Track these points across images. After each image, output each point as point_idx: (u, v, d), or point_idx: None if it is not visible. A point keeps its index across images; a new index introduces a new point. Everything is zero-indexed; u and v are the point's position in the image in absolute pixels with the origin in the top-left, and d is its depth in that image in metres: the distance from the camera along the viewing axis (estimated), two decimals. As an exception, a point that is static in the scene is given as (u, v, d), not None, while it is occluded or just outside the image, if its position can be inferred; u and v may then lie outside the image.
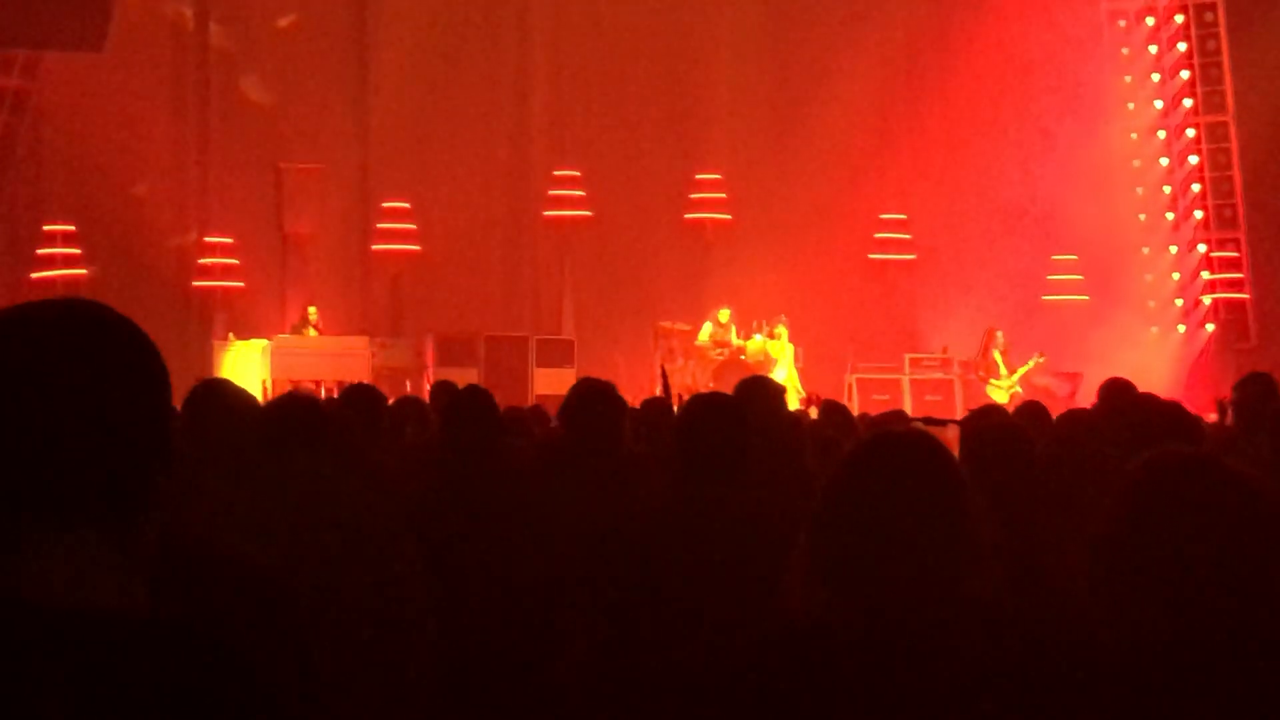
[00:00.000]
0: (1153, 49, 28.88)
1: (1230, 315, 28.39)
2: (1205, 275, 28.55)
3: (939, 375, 27.41)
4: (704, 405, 5.38)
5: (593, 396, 6.73)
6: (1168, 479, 3.20)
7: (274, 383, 23.01)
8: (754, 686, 3.26)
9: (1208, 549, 3.07)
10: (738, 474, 5.16)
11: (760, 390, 7.38)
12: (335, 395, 11.86)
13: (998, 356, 26.81)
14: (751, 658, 3.34)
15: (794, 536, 3.35)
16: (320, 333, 25.22)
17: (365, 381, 8.29)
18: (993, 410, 9.67)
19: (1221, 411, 10.43)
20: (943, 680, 3.15)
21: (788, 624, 3.33)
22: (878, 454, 3.34)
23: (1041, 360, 26.63)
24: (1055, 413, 8.89)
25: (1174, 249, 28.91)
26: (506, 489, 6.35)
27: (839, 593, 3.23)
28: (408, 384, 24.44)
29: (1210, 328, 28.39)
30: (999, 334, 26.88)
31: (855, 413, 14.22)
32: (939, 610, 3.20)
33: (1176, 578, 3.08)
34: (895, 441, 3.38)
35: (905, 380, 27.20)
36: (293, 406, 5.68)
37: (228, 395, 6.28)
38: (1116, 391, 9.13)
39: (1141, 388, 9.01)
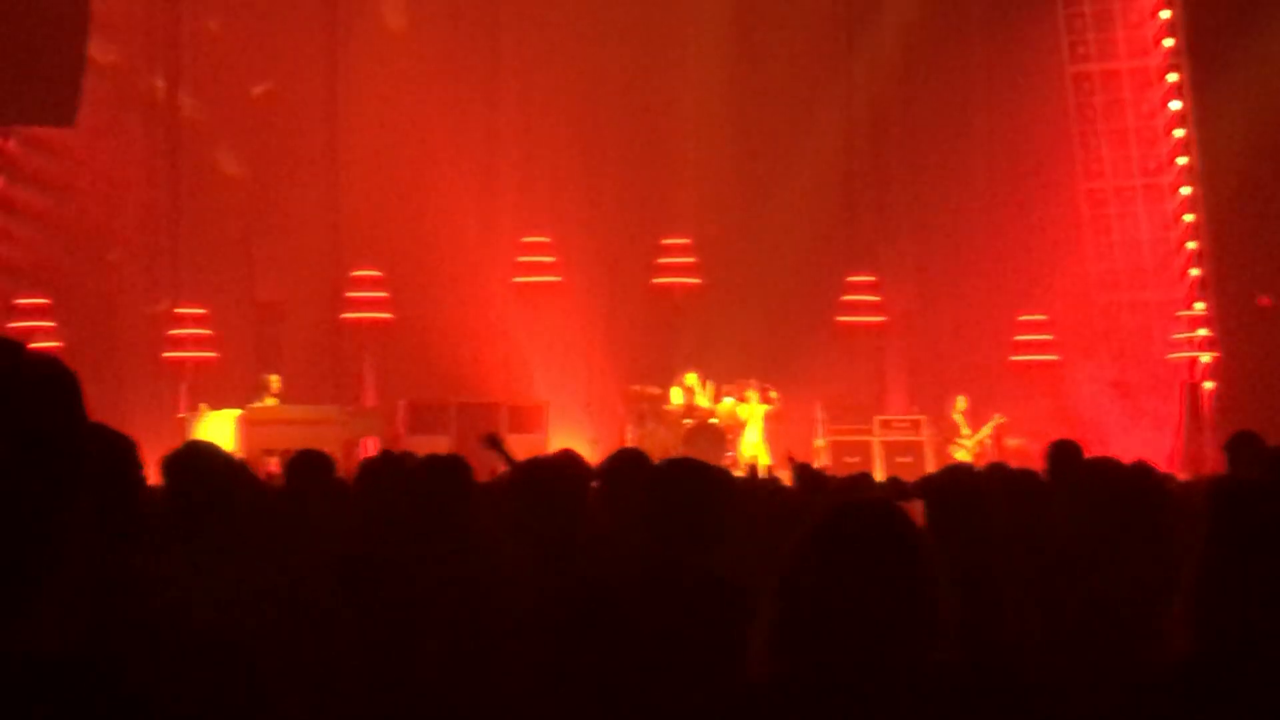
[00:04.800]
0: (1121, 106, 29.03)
1: (1208, 376, 28.33)
2: (1177, 335, 28.49)
3: (910, 437, 27.48)
4: (674, 468, 5.44)
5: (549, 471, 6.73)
6: (839, 523, 3.37)
7: (247, 454, 22.97)
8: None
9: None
10: (706, 538, 5.21)
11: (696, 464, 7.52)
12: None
13: (958, 418, 27.00)
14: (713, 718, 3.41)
15: (756, 600, 3.41)
16: (282, 400, 25.19)
17: (322, 451, 8.25)
18: (958, 470, 9.68)
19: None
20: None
21: (749, 687, 3.39)
22: (841, 523, 3.39)
23: (1001, 421, 26.80)
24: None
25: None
26: (467, 550, 6.40)
27: (800, 657, 3.29)
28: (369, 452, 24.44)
29: (1209, 385, 28.28)
30: (959, 398, 27.11)
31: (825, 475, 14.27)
32: (899, 677, 3.26)
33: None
34: (858, 511, 3.44)
35: (876, 442, 27.27)
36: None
37: (209, 458, 6.31)
38: (1064, 456, 9.19)
39: (1115, 449, 9.08)
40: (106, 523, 3.79)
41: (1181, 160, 28.49)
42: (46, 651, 2.14)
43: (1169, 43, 28.45)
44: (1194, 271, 28.41)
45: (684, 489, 5.27)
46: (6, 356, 2.16)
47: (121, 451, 4.06)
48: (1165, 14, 28.46)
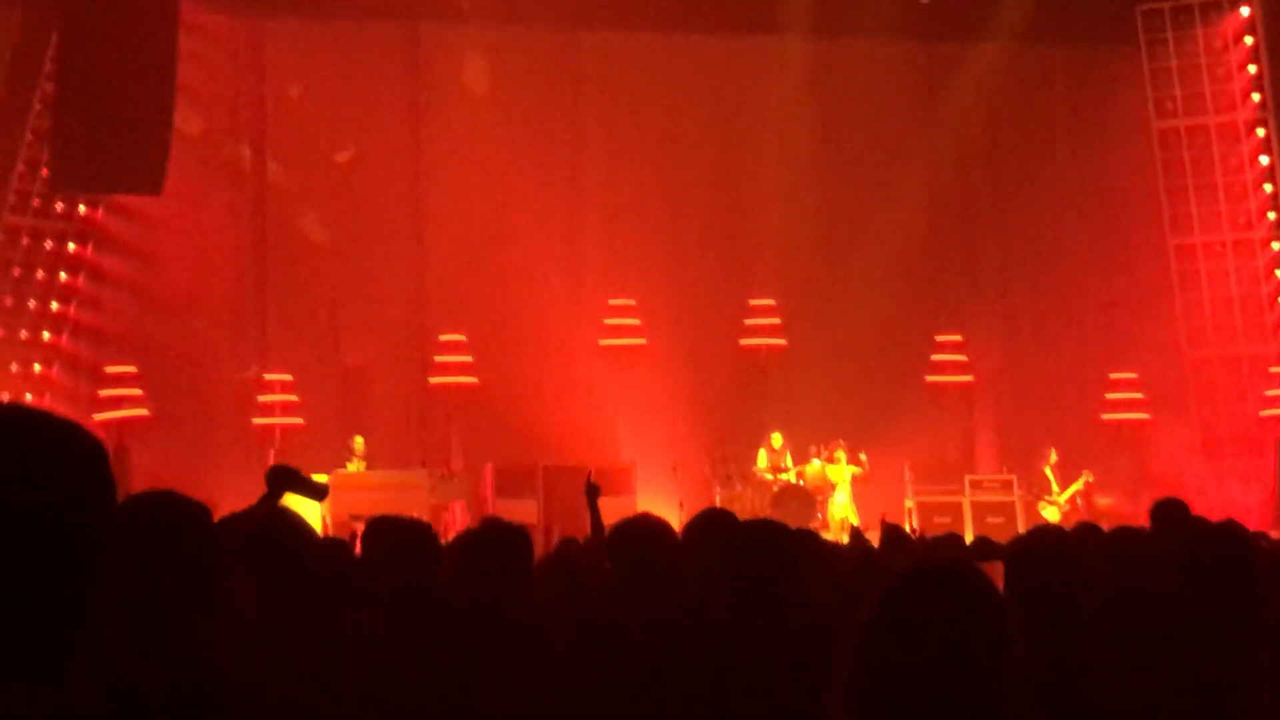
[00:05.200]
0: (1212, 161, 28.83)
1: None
2: (1270, 392, 28.22)
3: (1000, 497, 27.25)
4: (750, 529, 5.38)
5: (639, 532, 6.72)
6: (911, 586, 3.29)
7: (334, 518, 23.03)
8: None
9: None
10: (782, 599, 5.15)
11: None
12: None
13: (1049, 473, 26.78)
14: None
15: (827, 660, 3.37)
16: (367, 464, 25.30)
17: (411, 516, 8.22)
18: (1045, 531, 9.55)
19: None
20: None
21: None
22: (913, 586, 3.35)
23: (1090, 479, 26.59)
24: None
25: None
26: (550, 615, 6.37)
27: (876, 716, 3.24)
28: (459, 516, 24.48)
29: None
30: (1051, 451, 26.92)
31: (914, 536, 14.17)
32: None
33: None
34: (930, 573, 3.39)
35: (966, 502, 27.07)
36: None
37: (292, 524, 6.30)
38: (1168, 513, 9.05)
39: (1206, 508, 8.94)
40: (169, 591, 3.76)
41: (1271, 215, 28.26)
42: (71, 715, 2.08)
43: (1256, 97, 28.27)
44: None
45: (761, 550, 5.22)
46: (32, 429, 2.09)
47: (189, 519, 4.03)
48: (1252, 69, 28.29)
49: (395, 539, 6.32)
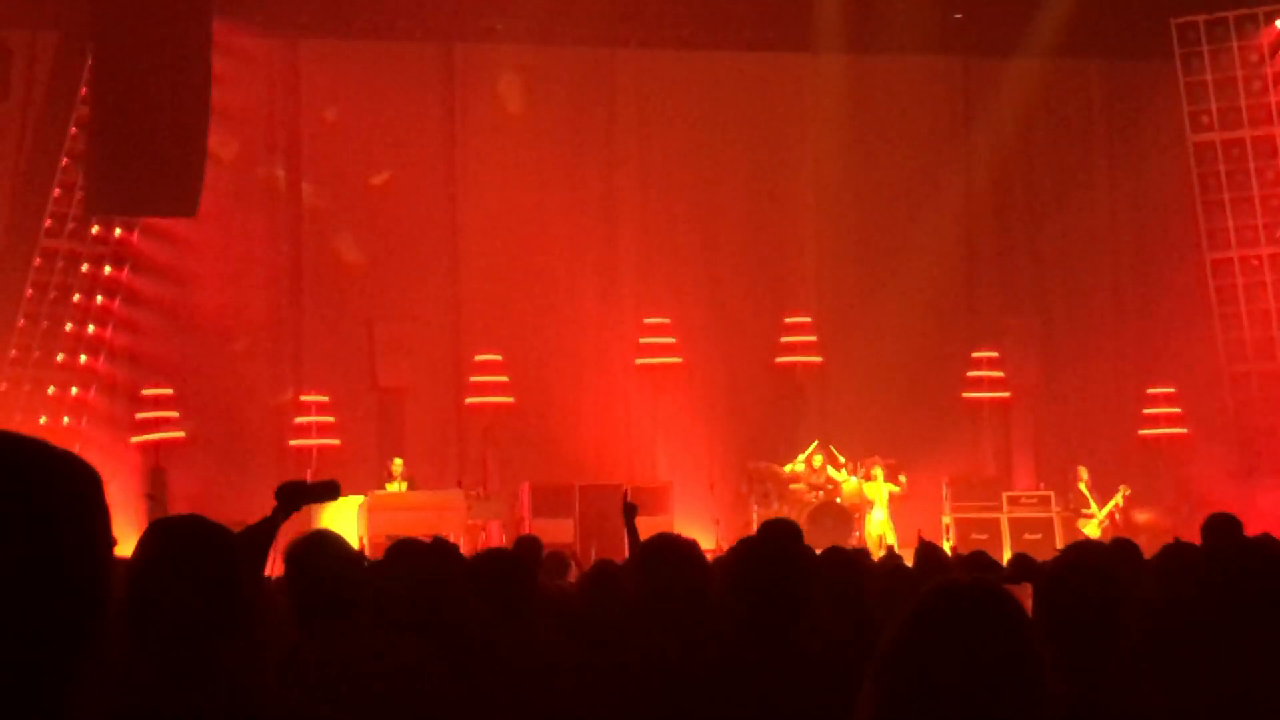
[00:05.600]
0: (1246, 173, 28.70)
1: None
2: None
3: (1038, 514, 27.15)
4: (762, 544, 5.33)
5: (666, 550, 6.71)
6: (935, 605, 3.24)
7: (370, 538, 23.05)
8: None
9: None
10: (795, 614, 5.09)
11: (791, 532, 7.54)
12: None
13: (1084, 490, 26.70)
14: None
15: (851, 679, 3.34)
16: (407, 484, 25.33)
17: (436, 536, 8.19)
18: (1085, 546, 9.49)
19: None
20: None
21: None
22: (937, 605, 3.31)
23: (1128, 493, 26.50)
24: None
25: None
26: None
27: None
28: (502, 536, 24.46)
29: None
30: (1082, 469, 26.85)
31: (952, 554, 14.12)
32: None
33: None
34: (955, 593, 3.35)
35: (1004, 519, 26.98)
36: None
37: (331, 546, 6.30)
38: (1218, 530, 8.96)
39: (1244, 524, 8.86)
40: (195, 616, 3.76)
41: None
42: None
43: (1292, 110, 28.17)
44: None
45: (763, 563, 5.17)
46: (19, 458, 1.99)
47: (213, 545, 4.02)
48: (1288, 81, 28.18)
49: (415, 559, 6.32)
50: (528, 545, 12.61)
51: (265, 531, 5.63)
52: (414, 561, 6.16)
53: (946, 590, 3.37)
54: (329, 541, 6.19)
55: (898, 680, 3.24)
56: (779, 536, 5.39)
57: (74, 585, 1.98)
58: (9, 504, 1.92)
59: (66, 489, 1.99)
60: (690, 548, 6.73)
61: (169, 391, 26.93)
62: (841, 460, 27.04)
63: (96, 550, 2.00)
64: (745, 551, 5.34)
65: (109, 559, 2.02)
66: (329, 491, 5.91)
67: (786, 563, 5.18)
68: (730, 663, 5.05)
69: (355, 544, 22.39)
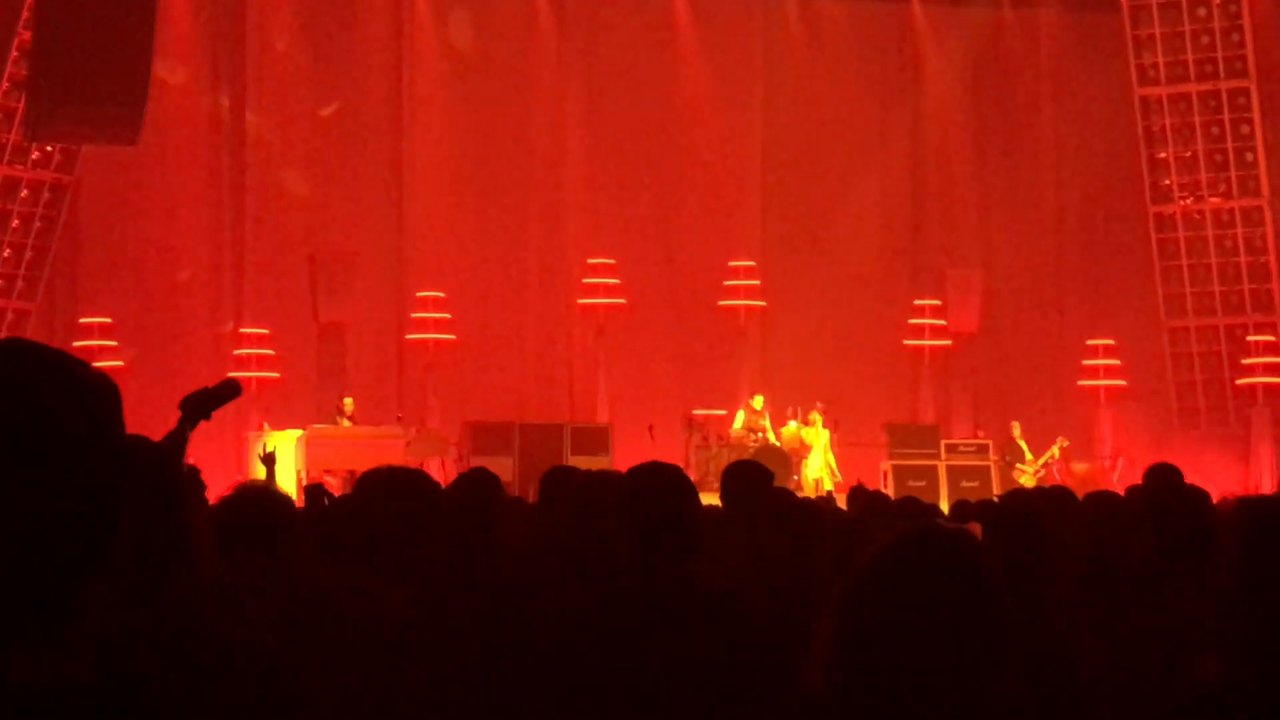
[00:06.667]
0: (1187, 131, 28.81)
1: (1270, 400, 28.13)
2: (1247, 360, 28.26)
3: (975, 461, 27.25)
4: (648, 475, 5.25)
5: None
6: (906, 551, 3.24)
7: (308, 473, 22.98)
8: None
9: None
10: (688, 544, 5.03)
11: (747, 470, 7.53)
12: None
13: (1020, 442, 26.83)
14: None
15: (781, 614, 3.32)
16: (354, 422, 25.23)
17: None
18: (1019, 494, 9.52)
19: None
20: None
21: (808, 699, 3.29)
22: (918, 548, 3.26)
23: (1065, 445, 26.62)
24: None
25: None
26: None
27: (862, 678, 3.19)
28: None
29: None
30: (1014, 423, 27.00)
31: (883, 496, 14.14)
32: (966, 706, 3.15)
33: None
34: (937, 537, 3.30)
35: (941, 466, 27.06)
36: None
37: (265, 498, 6.27)
38: (1159, 476, 8.97)
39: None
40: (151, 542, 3.71)
41: (1251, 184, 28.27)
42: (76, 680, 2.02)
43: (1239, 65, 28.24)
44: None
45: (651, 493, 5.11)
46: (46, 368, 2.01)
47: (165, 468, 3.97)
48: (1235, 37, 28.24)
49: (391, 489, 6.27)
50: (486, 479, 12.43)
51: (174, 445, 5.58)
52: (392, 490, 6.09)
53: (923, 532, 3.34)
54: (258, 492, 6.19)
55: (868, 613, 3.22)
56: (666, 471, 5.31)
57: (92, 490, 1.99)
58: (36, 406, 1.95)
59: (97, 396, 2.01)
60: (598, 479, 6.64)
61: (107, 320, 26.75)
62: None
63: (111, 457, 2.00)
64: (632, 483, 5.27)
65: (124, 467, 2.03)
66: (230, 390, 5.81)
67: (676, 496, 5.11)
68: (620, 596, 5.01)
69: (293, 478, 22.38)
